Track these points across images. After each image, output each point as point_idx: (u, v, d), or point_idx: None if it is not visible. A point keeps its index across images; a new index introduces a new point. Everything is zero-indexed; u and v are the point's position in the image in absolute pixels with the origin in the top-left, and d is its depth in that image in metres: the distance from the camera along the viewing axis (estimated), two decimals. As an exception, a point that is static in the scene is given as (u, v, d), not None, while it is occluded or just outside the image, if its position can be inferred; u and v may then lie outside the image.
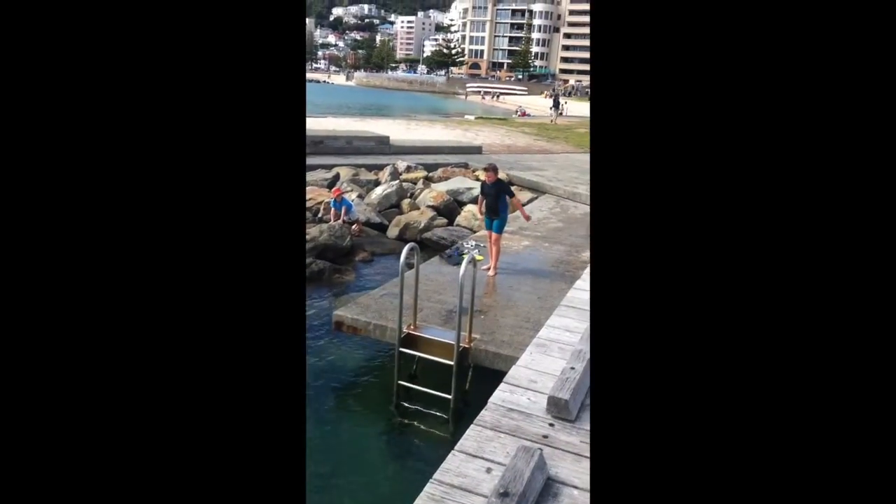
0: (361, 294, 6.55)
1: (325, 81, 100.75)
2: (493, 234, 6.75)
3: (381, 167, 12.96)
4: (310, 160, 13.03)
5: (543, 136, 21.71)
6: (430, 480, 2.84)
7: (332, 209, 9.91)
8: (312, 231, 9.08)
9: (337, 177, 12.13)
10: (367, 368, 5.94)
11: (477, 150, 16.04)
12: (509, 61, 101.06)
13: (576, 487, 2.73)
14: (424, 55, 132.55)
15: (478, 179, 11.36)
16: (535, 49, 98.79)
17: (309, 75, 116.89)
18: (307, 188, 11.54)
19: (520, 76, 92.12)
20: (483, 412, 3.48)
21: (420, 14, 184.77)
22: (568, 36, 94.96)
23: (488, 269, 6.70)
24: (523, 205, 8.19)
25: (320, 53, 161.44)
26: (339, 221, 9.57)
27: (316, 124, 16.77)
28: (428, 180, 12.50)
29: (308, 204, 10.77)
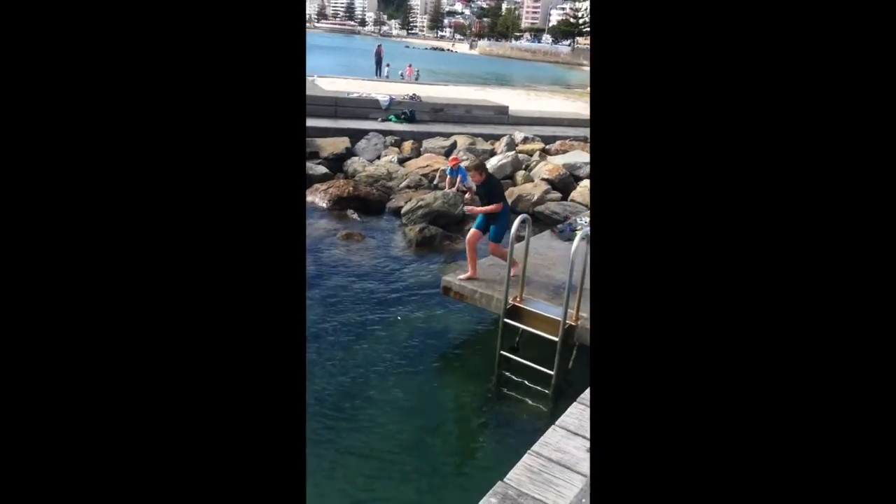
0: (470, 262, 6.59)
1: (448, 49, 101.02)
2: (491, 244, 5.59)
3: (497, 137, 12.87)
4: (429, 127, 13.20)
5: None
6: (529, 452, 2.84)
7: (448, 177, 10.02)
8: (427, 197, 9.24)
9: (454, 145, 12.21)
10: (472, 335, 6.02)
11: (598, 124, 15.37)
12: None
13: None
14: (550, 24, 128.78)
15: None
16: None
17: (433, 43, 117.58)
18: (425, 154, 11.72)
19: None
20: (588, 391, 3.41)
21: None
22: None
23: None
24: None
25: (446, 21, 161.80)
26: (454, 189, 9.67)
27: (436, 92, 16.91)
28: (545, 153, 12.25)
29: (425, 171, 10.95)
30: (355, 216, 9.38)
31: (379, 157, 11.74)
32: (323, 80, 17.92)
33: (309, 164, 10.75)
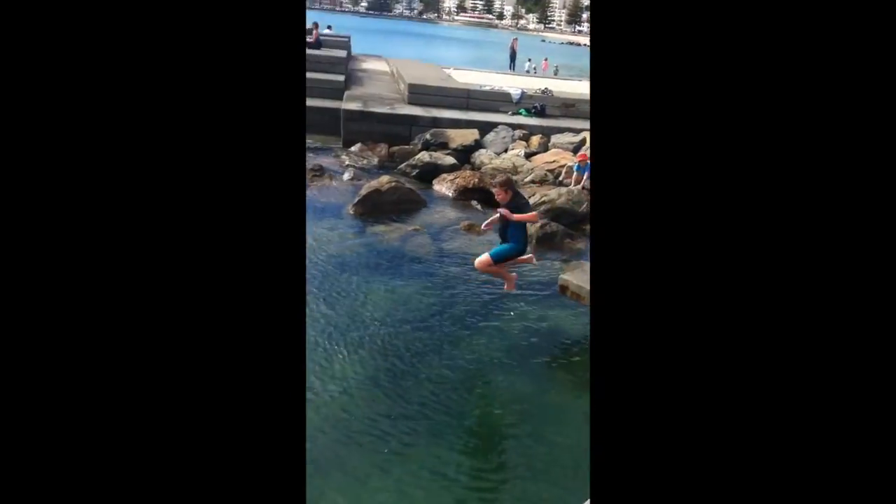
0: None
1: (585, 45, 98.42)
2: (484, 256, 5.12)
3: (631, 136, 12.31)
4: (559, 123, 12.96)
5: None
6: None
7: (575, 173, 9.79)
8: (551, 193, 9.09)
9: (583, 141, 11.89)
10: (585, 337, 5.84)
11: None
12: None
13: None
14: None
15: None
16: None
17: (570, 38, 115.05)
18: (553, 150, 11.53)
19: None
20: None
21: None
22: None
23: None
24: None
25: (584, 16, 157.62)
26: (580, 186, 9.42)
27: (569, 87, 16.55)
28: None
29: (551, 167, 10.78)
30: (478, 207, 9.45)
31: (506, 151, 11.73)
32: (457, 73, 18.18)
33: (437, 155, 10.99)
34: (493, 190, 5.07)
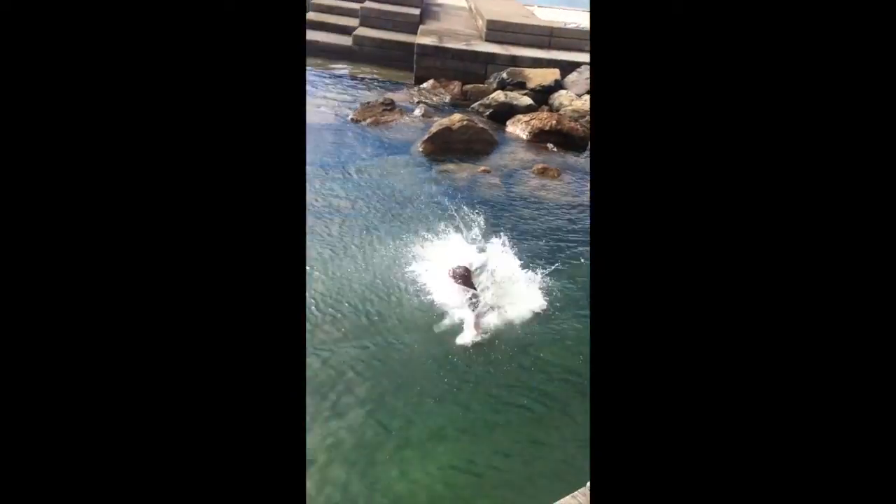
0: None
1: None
2: None
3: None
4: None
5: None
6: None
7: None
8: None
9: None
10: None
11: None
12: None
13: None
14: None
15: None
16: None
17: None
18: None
19: None
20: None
21: None
22: None
23: None
24: None
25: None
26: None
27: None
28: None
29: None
30: (554, 150, 8.90)
31: (588, 92, 10.97)
32: (541, 10, 17.19)
33: (513, 94, 10.40)
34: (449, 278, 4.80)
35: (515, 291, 4.95)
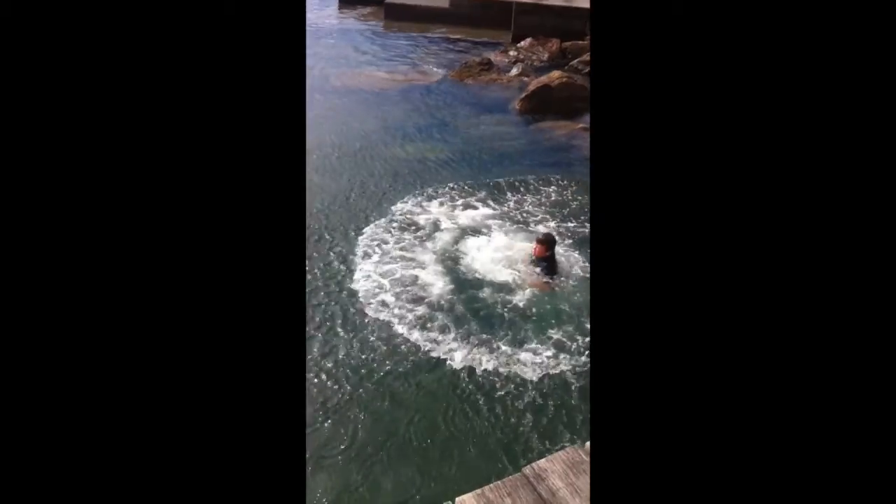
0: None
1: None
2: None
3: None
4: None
5: None
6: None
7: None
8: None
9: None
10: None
11: None
12: None
13: None
14: None
15: None
16: None
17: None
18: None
19: None
20: None
21: None
22: None
23: None
24: None
25: None
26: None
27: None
28: None
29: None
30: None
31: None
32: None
33: (614, 50, 10.12)
34: (535, 246, 4.90)
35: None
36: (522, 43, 11.14)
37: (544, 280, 4.74)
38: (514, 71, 9.90)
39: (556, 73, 8.82)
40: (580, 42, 10.82)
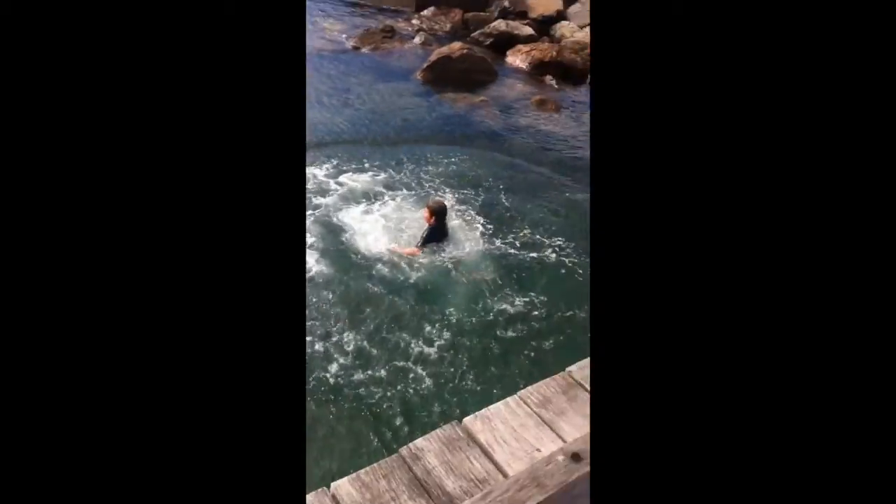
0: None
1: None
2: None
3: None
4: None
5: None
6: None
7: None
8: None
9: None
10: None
11: None
12: None
13: None
14: None
15: None
16: None
17: None
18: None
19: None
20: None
21: None
22: None
23: None
24: None
25: None
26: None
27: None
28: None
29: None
30: (553, 83, 8.85)
31: (588, 25, 10.77)
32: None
33: (514, 24, 10.21)
34: (424, 211, 4.84)
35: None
36: (425, 12, 10.96)
37: (417, 246, 4.73)
38: (417, 40, 9.75)
39: (456, 45, 8.77)
40: (481, 14, 10.80)
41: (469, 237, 4.96)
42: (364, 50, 9.14)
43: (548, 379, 2.28)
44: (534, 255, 4.82)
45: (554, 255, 4.84)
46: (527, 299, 4.34)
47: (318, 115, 6.87)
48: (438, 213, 4.80)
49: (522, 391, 2.23)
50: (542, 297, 4.35)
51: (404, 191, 5.51)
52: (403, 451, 2.00)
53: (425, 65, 8.47)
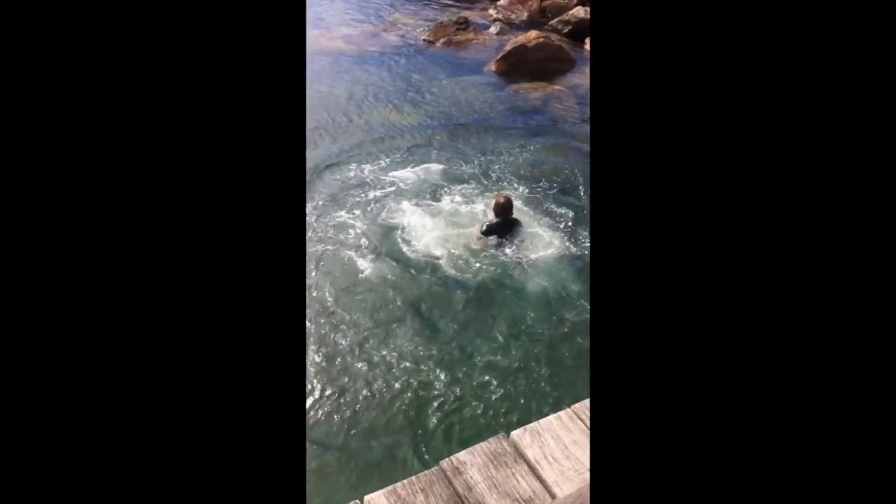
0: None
1: None
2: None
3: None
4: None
5: None
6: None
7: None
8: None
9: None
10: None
11: None
12: None
13: None
14: None
15: None
16: None
17: None
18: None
19: None
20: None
21: None
22: None
23: None
24: None
25: None
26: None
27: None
28: None
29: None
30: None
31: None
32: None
33: (595, 8, 9.80)
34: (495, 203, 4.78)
35: None
36: (501, 1, 10.74)
37: (486, 239, 4.61)
38: (492, 30, 9.56)
39: (533, 33, 8.51)
40: (560, 1, 10.44)
41: (541, 234, 4.75)
42: (437, 44, 9.07)
43: (606, 391, 2.09)
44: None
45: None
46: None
47: (386, 115, 6.86)
48: (501, 208, 4.65)
49: (576, 405, 2.05)
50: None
51: (473, 185, 5.38)
52: (444, 463, 1.89)
53: (500, 55, 8.28)
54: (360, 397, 3.41)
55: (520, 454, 1.91)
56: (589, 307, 4.03)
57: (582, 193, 5.31)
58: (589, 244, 4.62)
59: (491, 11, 10.49)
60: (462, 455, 1.91)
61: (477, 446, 1.95)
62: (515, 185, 5.42)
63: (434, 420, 3.31)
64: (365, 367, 3.61)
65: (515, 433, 1.97)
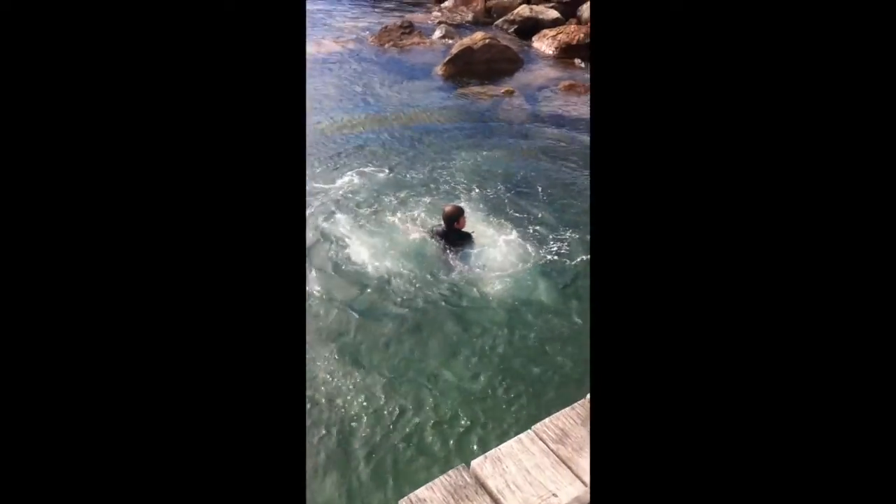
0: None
1: None
2: None
3: None
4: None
5: None
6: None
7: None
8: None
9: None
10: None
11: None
12: None
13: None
14: None
15: None
16: None
17: None
18: None
19: None
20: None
21: None
22: None
23: None
24: None
25: None
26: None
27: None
28: None
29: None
30: (582, 65, 8.46)
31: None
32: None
33: (539, 8, 9.84)
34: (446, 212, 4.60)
35: None
36: (446, 3, 10.70)
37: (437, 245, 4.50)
38: (438, 33, 9.49)
39: (479, 35, 8.48)
40: (504, 0, 10.45)
41: (496, 243, 4.65)
42: (382, 48, 8.94)
43: (566, 409, 2.01)
44: (567, 260, 4.48)
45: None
46: (562, 308, 4.04)
47: (330, 122, 6.70)
48: (449, 219, 4.50)
49: (537, 425, 1.97)
50: (582, 306, 4.01)
51: (421, 192, 5.27)
52: (402, 502, 1.78)
53: (446, 59, 8.21)
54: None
55: (481, 485, 1.82)
56: (547, 319, 3.95)
57: (540, 196, 5.26)
58: (546, 252, 4.57)
59: (435, 14, 10.43)
60: (421, 492, 1.81)
61: (436, 480, 1.85)
62: (466, 190, 5.33)
63: (381, 453, 3.14)
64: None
65: (476, 462, 1.87)
